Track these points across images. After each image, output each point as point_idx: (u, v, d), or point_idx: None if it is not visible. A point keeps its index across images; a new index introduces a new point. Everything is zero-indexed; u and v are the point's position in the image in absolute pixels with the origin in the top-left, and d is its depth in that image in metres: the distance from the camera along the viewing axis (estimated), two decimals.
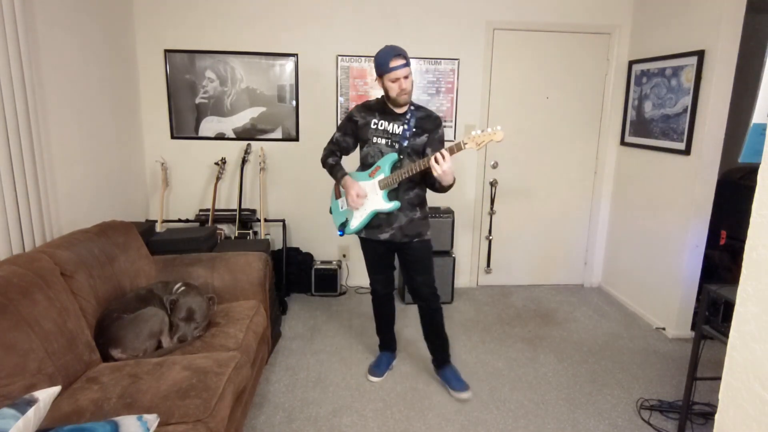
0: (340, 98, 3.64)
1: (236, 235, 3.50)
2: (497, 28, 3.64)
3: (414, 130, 2.35)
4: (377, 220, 2.42)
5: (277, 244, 3.74)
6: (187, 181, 3.67)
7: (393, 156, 2.32)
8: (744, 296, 0.97)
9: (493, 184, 3.87)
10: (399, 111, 2.36)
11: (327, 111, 3.66)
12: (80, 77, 2.68)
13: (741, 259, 0.99)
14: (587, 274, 4.13)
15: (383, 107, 2.40)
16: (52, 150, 2.40)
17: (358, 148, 2.51)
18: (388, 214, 2.41)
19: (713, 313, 2.02)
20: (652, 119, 3.41)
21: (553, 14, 3.64)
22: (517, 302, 3.76)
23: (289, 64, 3.56)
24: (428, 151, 2.37)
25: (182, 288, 2.20)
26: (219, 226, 3.52)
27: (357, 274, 3.97)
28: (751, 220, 0.95)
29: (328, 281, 3.75)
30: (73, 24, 2.61)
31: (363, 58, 3.59)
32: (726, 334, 1.86)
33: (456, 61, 3.65)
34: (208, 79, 3.52)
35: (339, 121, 3.66)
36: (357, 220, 2.44)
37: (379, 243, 2.48)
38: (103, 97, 2.95)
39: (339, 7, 3.52)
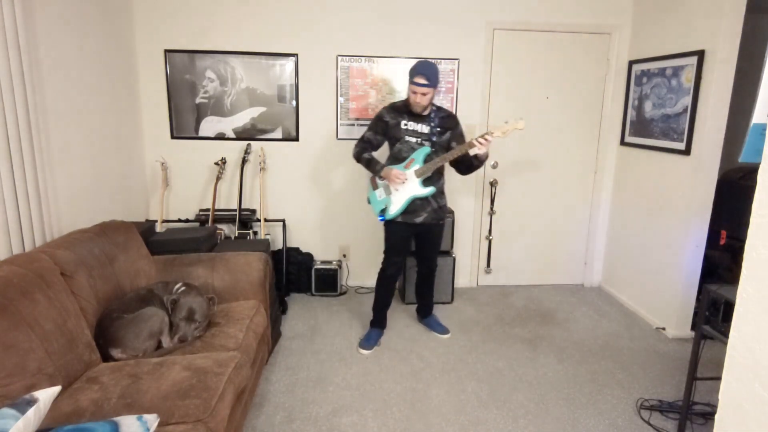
0: (340, 98, 3.64)
1: (236, 235, 3.50)
2: (497, 28, 3.64)
3: (439, 129, 2.75)
4: (413, 206, 2.80)
5: (277, 244, 3.75)
6: (187, 181, 3.67)
7: (426, 149, 2.72)
8: (744, 296, 0.97)
9: (493, 184, 3.87)
10: (424, 113, 2.73)
11: (327, 111, 3.66)
12: (80, 77, 2.68)
13: (741, 259, 0.99)
14: (587, 274, 4.13)
15: (410, 109, 2.73)
16: (52, 150, 2.40)
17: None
18: (423, 200, 2.79)
19: (713, 313, 2.02)
20: (652, 119, 3.41)
21: (553, 14, 3.64)
22: (517, 302, 3.76)
23: (289, 64, 3.56)
24: (453, 144, 2.79)
25: (182, 288, 2.20)
26: (219, 226, 3.52)
27: (357, 274, 3.98)
28: (751, 220, 0.95)
29: (328, 281, 3.75)
30: (73, 24, 2.61)
31: (363, 58, 3.59)
32: (726, 334, 1.86)
33: (456, 61, 3.65)
34: (208, 79, 3.52)
35: (339, 121, 3.67)
36: (396, 206, 2.78)
37: (409, 227, 2.85)
38: (103, 96, 2.95)
39: (339, 7, 3.52)
